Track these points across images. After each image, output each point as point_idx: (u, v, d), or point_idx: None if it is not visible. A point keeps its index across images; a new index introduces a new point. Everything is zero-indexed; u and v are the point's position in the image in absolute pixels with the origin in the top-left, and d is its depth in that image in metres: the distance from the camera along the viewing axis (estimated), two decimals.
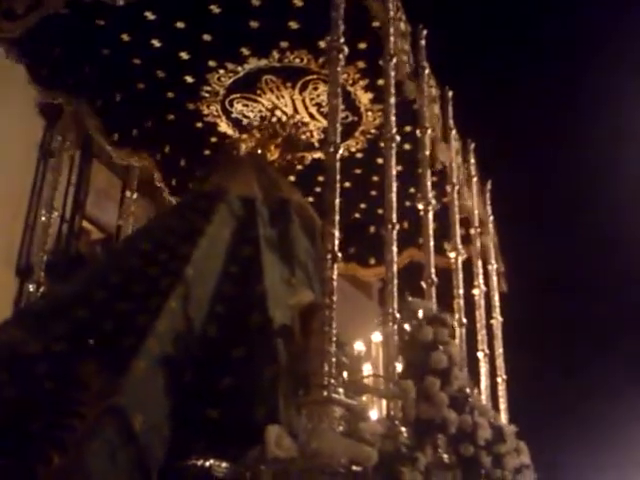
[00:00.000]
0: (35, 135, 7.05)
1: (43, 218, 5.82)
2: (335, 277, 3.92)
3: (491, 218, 7.39)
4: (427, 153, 5.83)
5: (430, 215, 5.55)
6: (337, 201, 4.13)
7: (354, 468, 3.35)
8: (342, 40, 4.57)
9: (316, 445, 3.35)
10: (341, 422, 3.59)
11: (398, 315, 4.48)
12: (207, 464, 3.10)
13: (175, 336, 3.95)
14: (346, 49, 4.60)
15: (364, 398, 4.17)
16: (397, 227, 4.82)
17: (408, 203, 6.57)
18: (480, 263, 6.62)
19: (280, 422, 3.60)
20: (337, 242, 4.00)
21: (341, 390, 3.70)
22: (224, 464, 3.15)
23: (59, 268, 5.82)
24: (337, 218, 4.07)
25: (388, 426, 3.97)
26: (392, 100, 5.23)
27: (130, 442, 3.30)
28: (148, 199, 7.36)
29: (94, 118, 6.22)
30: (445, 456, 4.45)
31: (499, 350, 6.53)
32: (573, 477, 9.62)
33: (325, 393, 3.58)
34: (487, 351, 6.18)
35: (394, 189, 4.95)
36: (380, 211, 7.46)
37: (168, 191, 7.06)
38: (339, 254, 3.98)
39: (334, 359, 3.71)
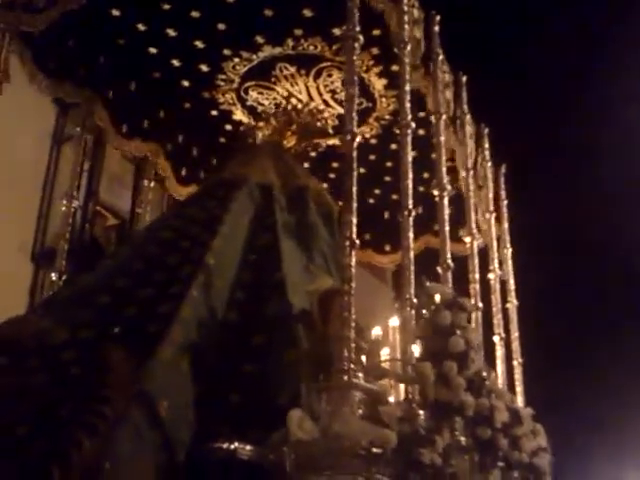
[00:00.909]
0: (47, 122, 7.11)
1: (63, 208, 5.87)
2: (353, 264, 3.97)
3: (505, 202, 7.40)
4: (442, 139, 5.84)
5: (445, 200, 5.57)
6: (354, 188, 4.18)
7: (374, 450, 3.42)
8: (358, 29, 4.60)
9: (337, 428, 3.43)
10: (361, 406, 3.66)
11: (415, 300, 4.53)
12: (232, 447, 3.18)
13: (198, 323, 4.03)
14: (362, 38, 4.63)
15: (383, 382, 4.22)
16: (413, 213, 4.84)
17: (422, 189, 6.62)
18: (495, 247, 6.65)
19: (302, 406, 3.66)
20: (355, 229, 4.05)
21: (361, 375, 3.78)
22: (248, 447, 3.23)
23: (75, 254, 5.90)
24: (355, 205, 4.12)
25: (406, 409, 4.03)
26: (407, 87, 5.25)
27: (156, 427, 3.39)
28: (163, 187, 7.42)
29: (104, 109, 6.29)
30: (462, 439, 4.50)
31: (515, 334, 6.56)
32: (588, 458, 9.67)
33: (345, 378, 3.65)
34: (503, 335, 6.22)
35: (410, 175, 4.98)
36: (395, 197, 7.63)
37: (176, 181, 7.13)
38: (357, 241, 4.03)
39: (353, 344, 3.77)
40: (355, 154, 4.30)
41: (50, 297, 5.03)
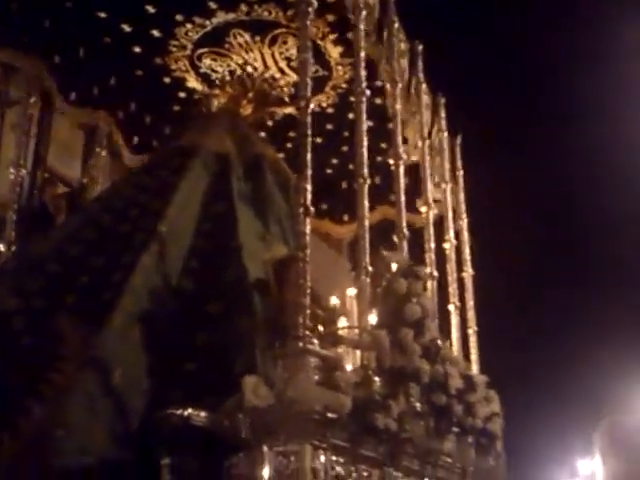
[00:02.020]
0: None
1: (11, 176, 5.71)
2: (308, 231, 3.94)
3: (461, 172, 7.42)
4: (398, 107, 5.83)
5: (401, 169, 5.56)
6: (309, 155, 4.14)
7: (329, 415, 3.42)
8: None
9: (292, 394, 3.42)
10: (316, 372, 3.65)
11: (371, 268, 4.53)
12: (185, 414, 3.15)
13: (150, 291, 3.98)
14: (315, 2, 4.56)
15: (339, 349, 4.22)
16: (368, 182, 4.82)
17: (380, 159, 6.61)
18: (451, 217, 6.67)
19: (258, 373, 3.65)
20: (309, 196, 4.02)
21: (316, 341, 3.76)
22: (202, 413, 3.20)
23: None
24: (309, 173, 4.08)
25: (362, 375, 4.04)
26: (362, 54, 5.21)
27: (110, 394, 3.35)
28: (113, 155, 7.26)
29: (51, 76, 6.13)
30: (418, 405, 4.54)
31: (470, 303, 6.62)
32: (541, 424, 9.87)
33: (301, 344, 3.64)
34: (458, 304, 6.26)
35: (365, 143, 4.95)
36: (352, 167, 7.60)
37: (129, 149, 7.00)
38: (312, 208, 4.00)
39: (309, 311, 3.76)
40: (310, 121, 4.25)
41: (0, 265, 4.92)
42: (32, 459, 2.94)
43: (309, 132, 4.20)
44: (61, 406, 3.13)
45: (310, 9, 4.49)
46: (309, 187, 4.04)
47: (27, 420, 3.00)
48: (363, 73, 5.14)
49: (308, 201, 3.99)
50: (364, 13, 5.33)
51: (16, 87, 6.45)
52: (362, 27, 5.26)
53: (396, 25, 6.18)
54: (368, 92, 5.08)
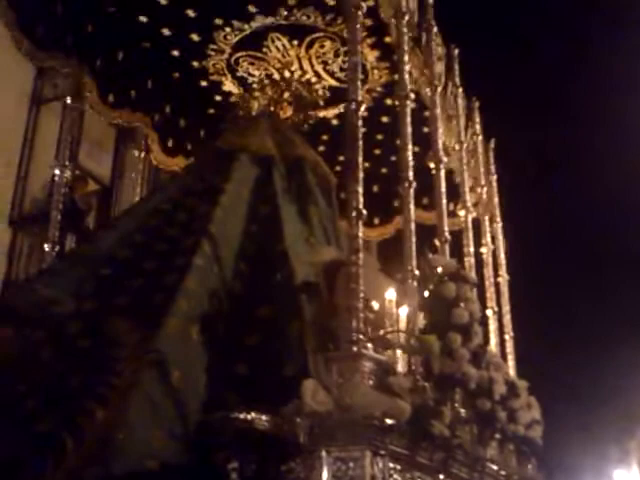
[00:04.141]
0: (26, 83, 6.89)
1: (56, 178, 5.67)
2: (361, 234, 3.93)
3: (495, 177, 7.40)
4: (437, 111, 5.81)
5: (442, 173, 5.54)
6: (360, 159, 4.14)
7: (388, 421, 3.40)
8: None
9: (350, 399, 3.40)
10: (371, 377, 3.63)
11: (417, 272, 4.51)
12: (249, 417, 3.13)
13: (203, 293, 3.97)
14: (364, 5, 4.56)
15: (389, 353, 4.20)
16: (414, 185, 4.81)
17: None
18: (487, 221, 6.64)
19: (309, 377, 3.63)
20: (361, 200, 4.01)
21: (370, 345, 3.74)
22: (264, 417, 3.18)
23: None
24: (361, 176, 4.08)
25: (413, 381, 4.01)
26: (406, 58, 5.20)
27: (169, 397, 3.34)
28: (146, 155, 7.28)
29: (92, 79, 6.15)
30: (463, 411, 4.51)
31: (506, 307, 6.58)
32: (577, 433, 9.80)
33: (355, 348, 3.62)
34: (496, 308, 6.23)
35: (409, 147, 4.94)
36: (384, 170, 7.60)
37: (162, 151, 7.01)
38: (364, 211, 3.99)
39: (361, 315, 3.74)
40: (360, 124, 4.25)
41: (50, 267, 4.91)
42: (95, 463, 2.93)
43: (360, 136, 4.19)
44: (123, 410, 3.12)
45: (359, 13, 4.48)
46: (361, 190, 4.03)
47: (91, 424, 2.99)
48: (406, 77, 5.13)
49: (360, 204, 3.98)
50: (407, 17, 5.32)
51: (49, 83, 6.47)
52: (405, 31, 5.25)
53: (435, 29, 6.18)
54: (412, 96, 5.08)
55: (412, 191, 4.77)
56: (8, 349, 3.53)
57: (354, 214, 3.96)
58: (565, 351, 9.59)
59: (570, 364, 9.52)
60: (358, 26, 4.53)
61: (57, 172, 5.39)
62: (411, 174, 4.83)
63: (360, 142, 4.21)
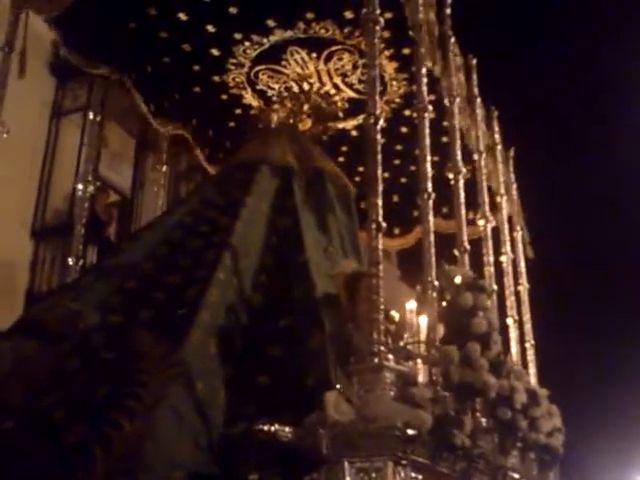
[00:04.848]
0: (47, 94, 6.99)
1: (79, 193, 5.79)
2: (380, 246, 3.97)
3: (515, 185, 7.41)
4: (456, 122, 5.84)
5: (461, 183, 5.57)
6: (379, 171, 4.18)
7: (410, 432, 3.43)
8: (378, 11, 4.57)
9: (372, 410, 3.44)
10: (392, 388, 3.67)
11: (437, 283, 4.55)
12: (273, 429, 3.18)
13: (225, 306, 4.03)
14: (382, 20, 4.61)
15: (412, 364, 4.24)
16: (433, 196, 4.85)
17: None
18: (507, 230, 6.65)
19: (332, 388, 3.67)
20: (381, 212, 4.06)
21: (391, 357, 3.77)
22: (287, 428, 3.23)
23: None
24: (380, 188, 4.12)
25: (434, 391, 4.04)
26: (424, 70, 5.24)
27: (193, 408, 3.40)
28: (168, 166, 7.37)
29: (137, 89, 6.28)
30: (484, 420, 4.53)
31: (527, 316, 6.59)
32: (600, 440, 9.74)
33: (376, 360, 3.65)
34: (516, 317, 6.24)
35: (428, 159, 4.98)
36: (404, 180, 7.64)
37: (204, 160, 7.13)
38: (384, 224, 4.03)
39: (382, 327, 3.78)
40: (379, 137, 4.30)
41: (76, 280, 5.01)
42: (124, 474, 3.00)
43: (379, 149, 4.24)
44: (150, 421, 3.18)
45: (377, 27, 4.53)
46: (380, 203, 4.08)
47: (118, 435, 3.05)
48: (424, 89, 5.18)
49: (380, 217, 4.03)
50: (425, 29, 5.37)
51: (69, 96, 6.56)
52: (424, 43, 5.30)
53: (452, 40, 6.22)
54: (430, 108, 5.12)
55: (431, 202, 4.81)
56: (35, 362, 3.62)
57: (374, 226, 4.00)
58: (587, 358, 9.56)
59: (593, 371, 9.48)
60: (376, 41, 4.56)
61: (80, 187, 5.45)
62: (430, 185, 4.87)
63: (379, 155, 4.22)
